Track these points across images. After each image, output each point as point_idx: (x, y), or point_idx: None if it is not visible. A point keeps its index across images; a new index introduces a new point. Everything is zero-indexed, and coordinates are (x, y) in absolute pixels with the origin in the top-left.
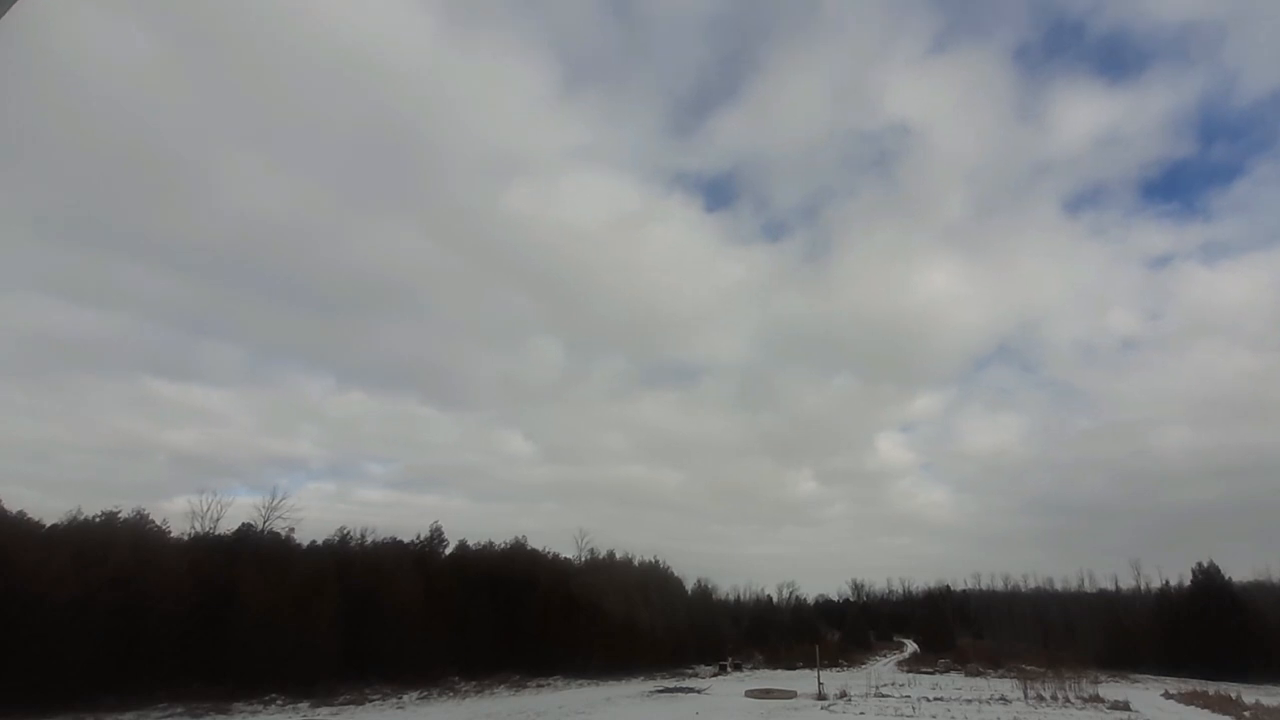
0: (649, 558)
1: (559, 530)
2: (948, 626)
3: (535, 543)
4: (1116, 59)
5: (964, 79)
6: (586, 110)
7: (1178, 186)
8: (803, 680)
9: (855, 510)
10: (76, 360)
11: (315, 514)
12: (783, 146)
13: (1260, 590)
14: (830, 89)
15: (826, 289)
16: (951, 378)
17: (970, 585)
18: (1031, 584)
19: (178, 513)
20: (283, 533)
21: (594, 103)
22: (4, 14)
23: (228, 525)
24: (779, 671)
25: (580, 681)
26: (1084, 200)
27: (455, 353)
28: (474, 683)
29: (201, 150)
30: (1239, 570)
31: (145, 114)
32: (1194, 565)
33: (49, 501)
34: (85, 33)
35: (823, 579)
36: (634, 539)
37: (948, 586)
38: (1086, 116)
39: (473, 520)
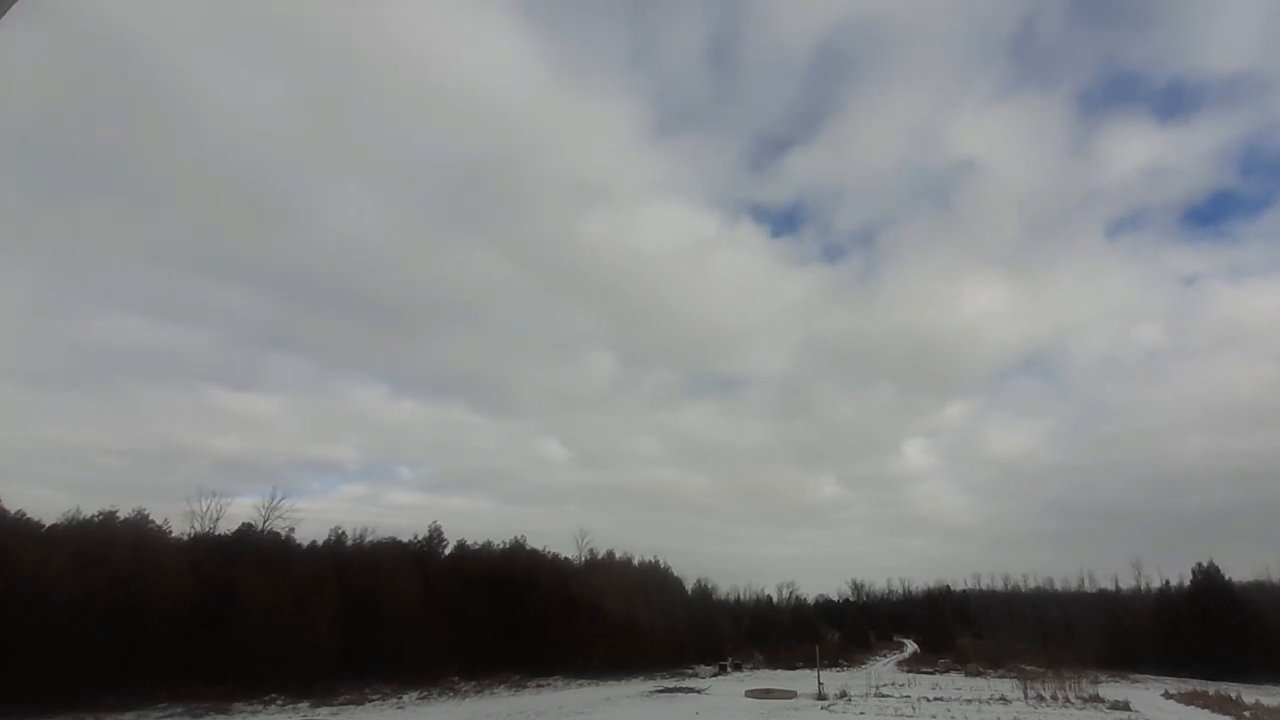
0: (649, 557)
1: (580, 531)
2: (948, 626)
3: (537, 543)
4: (1170, 102)
5: (1027, 121)
6: (673, 150)
7: (1211, 213)
8: (803, 680)
9: (872, 512)
10: (145, 371)
11: (342, 516)
12: (851, 180)
13: (1260, 590)
14: (904, 130)
15: (874, 307)
16: (980, 387)
17: (970, 585)
18: (1031, 584)
19: (178, 513)
20: (282, 533)
21: (681, 144)
22: (4, 14)
23: (228, 525)
24: (779, 671)
25: (580, 681)
26: (1124, 225)
27: (508, 364)
28: (474, 683)
29: (307, 183)
30: (1239, 570)
31: (260, 152)
32: (1194, 565)
33: (86, 503)
34: (207, 78)
35: (824, 579)
36: (653, 540)
37: (948, 586)
38: (1136, 151)
39: (497, 522)
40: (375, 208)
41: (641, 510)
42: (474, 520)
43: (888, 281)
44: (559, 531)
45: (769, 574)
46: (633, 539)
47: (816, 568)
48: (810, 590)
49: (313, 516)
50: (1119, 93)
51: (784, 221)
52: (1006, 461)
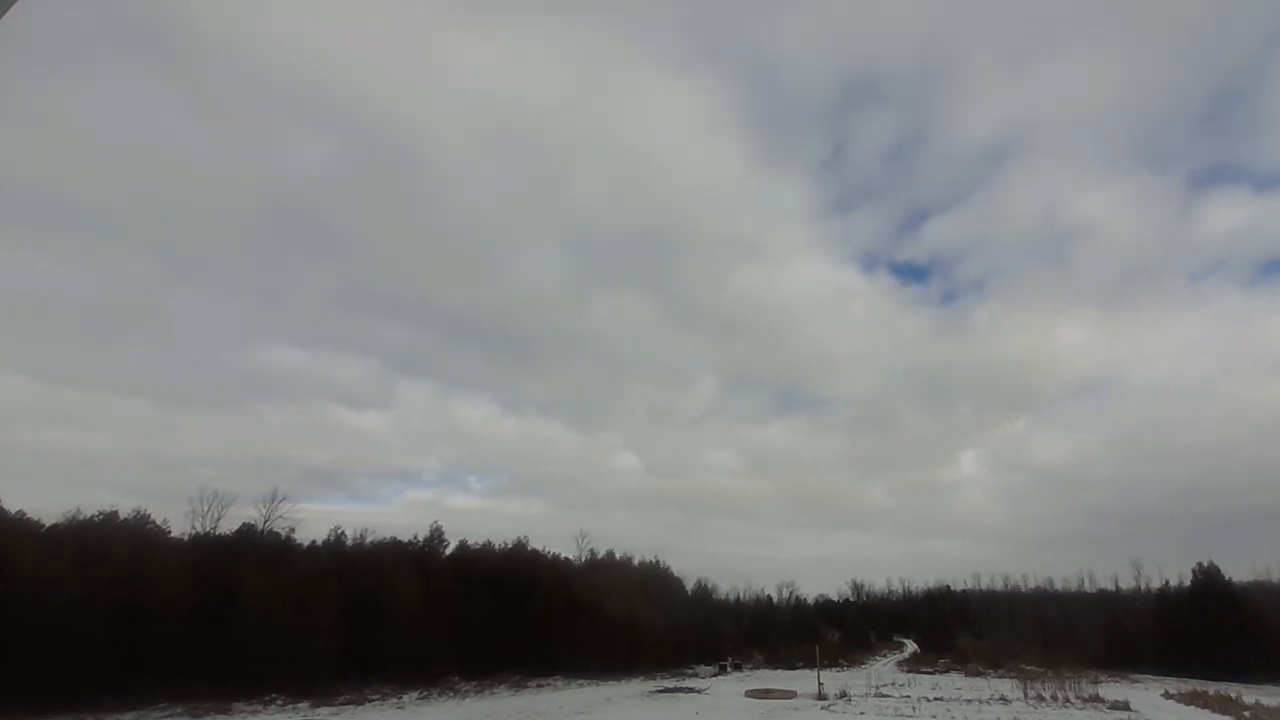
0: (649, 558)
1: (625, 534)
2: (948, 627)
3: (538, 543)
4: (1269, 174)
5: (1140, 194)
6: (835, 224)
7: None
8: (803, 680)
9: (911, 517)
10: (280, 394)
11: (399, 520)
12: (979, 241)
13: (1260, 590)
14: (1036, 204)
15: (968, 338)
16: (1044, 405)
17: (970, 585)
18: (1031, 584)
19: (179, 514)
20: (283, 533)
21: (844, 219)
22: (4, 14)
23: (228, 525)
24: (779, 671)
25: (580, 682)
26: (1205, 272)
27: (617, 388)
28: (474, 683)
29: (504, 242)
30: (1239, 570)
31: (470, 216)
32: (1194, 565)
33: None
34: (443, 158)
35: (824, 579)
36: (692, 542)
37: (948, 586)
38: (1231, 214)
39: (542, 524)
40: (555, 262)
41: (691, 514)
42: (518, 522)
43: (986, 318)
44: (615, 535)
45: (801, 575)
46: (676, 540)
47: (847, 569)
48: (810, 590)
49: (369, 521)
50: (1224, 174)
51: (912, 272)
52: (1053, 470)
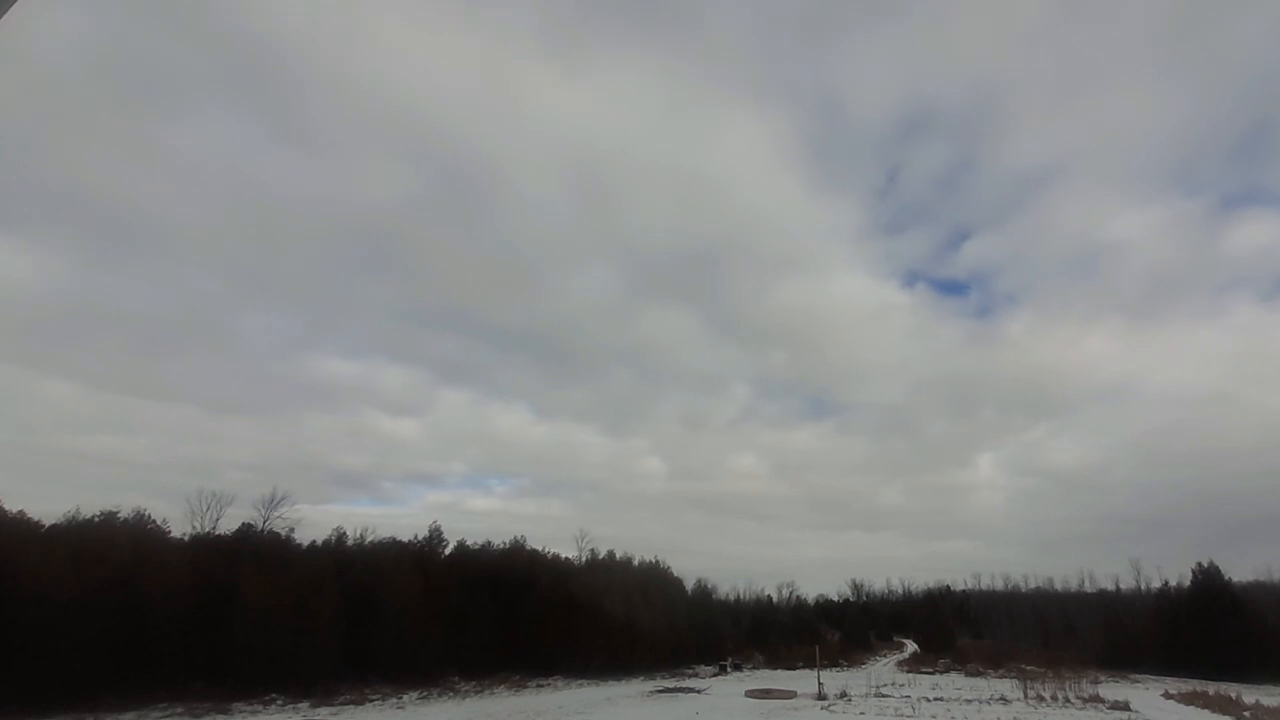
0: (649, 557)
1: (641, 537)
2: (948, 627)
3: (537, 543)
4: None
5: (1173, 216)
6: (883, 242)
7: None
8: (803, 680)
9: (924, 518)
10: (323, 401)
11: (424, 520)
12: (1015, 257)
13: (1260, 590)
14: (1073, 227)
15: (999, 349)
16: (1066, 410)
17: (970, 585)
18: (1031, 584)
19: (178, 514)
20: (282, 533)
21: (892, 238)
22: (4, 14)
23: (228, 525)
24: (779, 672)
25: (580, 682)
26: (1230, 286)
27: (653, 396)
28: (474, 683)
29: (565, 260)
30: (1239, 570)
31: (535, 236)
32: (1194, 565)
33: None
34: (515, 180)
35: (827, 579)
36: (707, 544)
37: (948, 586)
38: (1256, 234)
39: (562, 525)
40: (606, 279)
41: (711, 516)
42: (532, 523)
43: (1018, 330)
44: (636, 537)
45: (810, 575)
46: (690, 541)
47: (856, 569)
48: (810, 590)
49: (389, 522)
50: (1254, 198)
51: (950, 286)
52: (1068, 474)
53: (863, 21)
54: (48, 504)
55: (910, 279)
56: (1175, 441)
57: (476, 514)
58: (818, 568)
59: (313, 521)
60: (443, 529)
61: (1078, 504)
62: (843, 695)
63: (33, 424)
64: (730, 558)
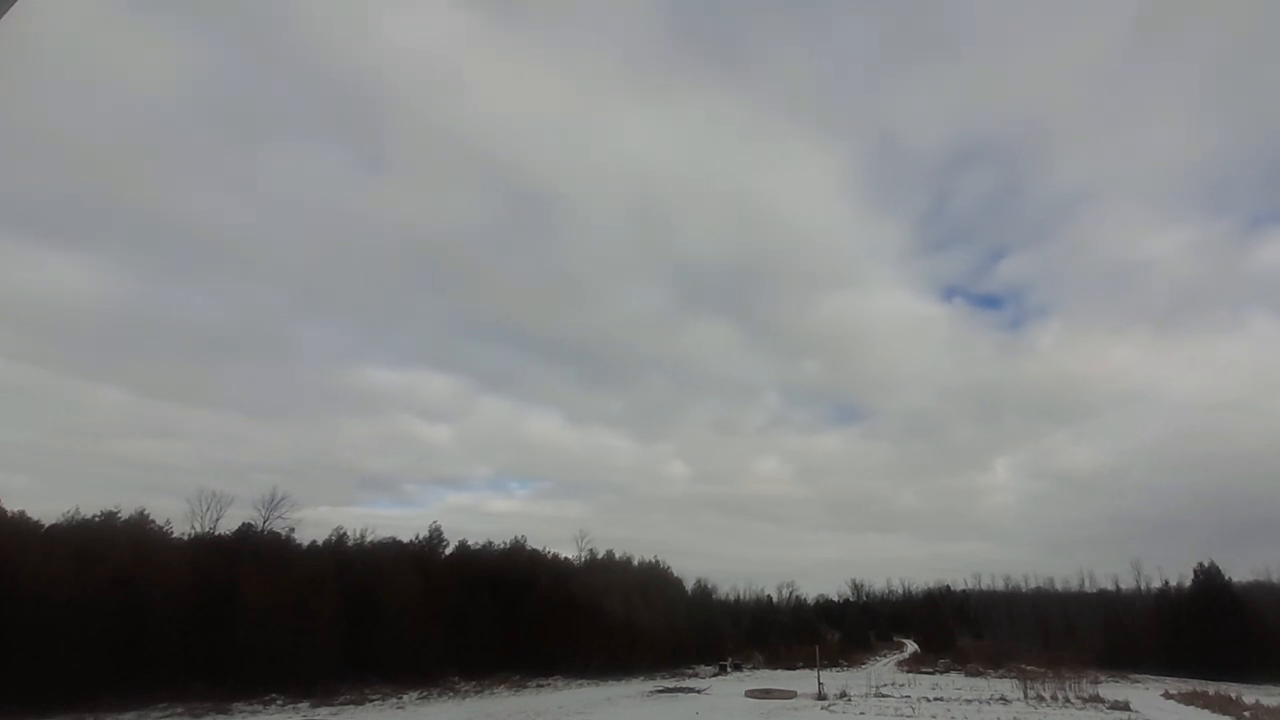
0: (649, 557)
1: (657, 539)
2: (948, 627)
3: (537, 543)
4: None
5: (1203, 235)
6: (925, 261)
7: None
8: (803, 680)
9: (935, 520)
10: (362, 408)
11: (443, 521)
12: (1051, 273)
13: (1260, 590)
14: (1107, 246)
15: (1028, 359)
16: (1087, 416)
17: (970, 585)
18: (1032, 584)
19: (179, 514)
20: (283, 533)
21: (934, 258)
22: (4, 14)
23: (228, 525)
24: (779, 672)
25: (580, 682)
26: (1251, 299)
27: (686, 402)
28: (474, 683)
29: (615, 277)
30: (1239, 570)
31: (590, 255)
32: (1195, 565)
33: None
34: (574, 211)
35: (823, 579)
36: (722, 545)
37: (948, 586)
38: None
39: (569, 524)
40: (653, 293)
41: (725, 517)
42: (549, 524)
43: (1048, 341)
44: (642, 539)
45: (820, 577)
46: (704, 543)
47: (864, 569)
48: (810, 590)
49: (406, 524)
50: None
51: (985, 300)
52: (1083, 477)
53: (923, 60)
54: (85, 506)
55: (948, 294)
56: (1187, 446)
57: (495, 516)
58: (831, 568)
59: (329, 523)
60: (443, 529)
61: (1087, 506)
62: (843, 695)
63: (75, 428)
64: (741, 559)
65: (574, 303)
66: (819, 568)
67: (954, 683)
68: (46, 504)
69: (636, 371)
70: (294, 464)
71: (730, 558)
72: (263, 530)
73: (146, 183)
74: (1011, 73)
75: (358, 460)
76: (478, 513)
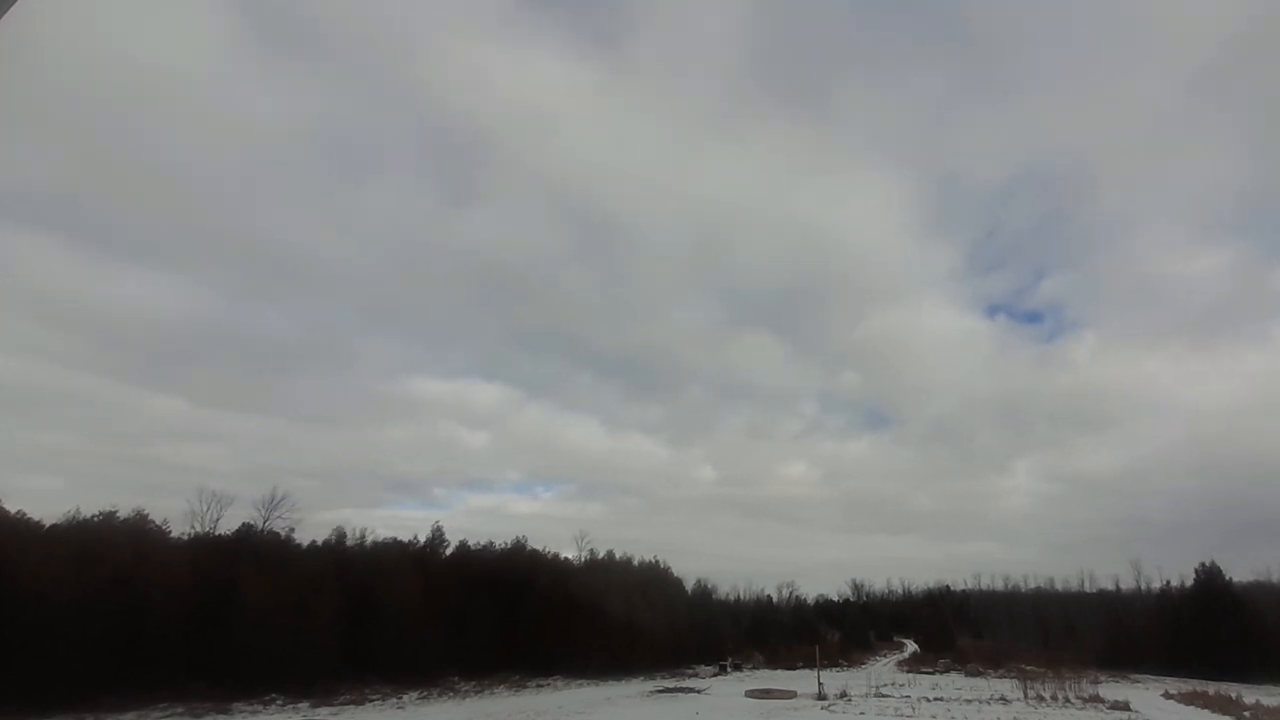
0: (649, 557)
1: (580, 532)
2: (948, 627)
3: (536, 543)
4: None
5: (1236, 254)
6: (972, 282)
7: None
8: (803, 680)
9: (946, 520)
10: (406, 415)
11: (463, 523)
12: (1089, 290)
13: (1260, 590)
14: (1147, 261)
15: (1060, 369)
16: (1111, 423)
17: (970, 585)
18: (1032, 584)
19: (179, 514)
20: (282, 533)
21: (981, 279)
22: (4, 14)
23: (228, 525)
24: (779, 672)
25: (580, 682)
26: (1275, 314)
27: (720, 409)
28: (474, 683)
29: (673, 293)
30: (1239, 570)
31: (649, 272)
32: (1196, 565)
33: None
34: (639, 239)
35: (823, 579)
36: (737, 546)
37: (948, 586)
38: None
39: (599, 527)
40: (704, 310)
41: (744, 519)
42: (562, 525)
43: (1080, 352)
44: (657, 540)
45: (827, 576)
46: (719, 543)
47: (874, 571)
48: (811, 590)
49: (428, 526)
50: None
51: (1026, 315)
52: (1100, 480)
53: (987, 102)
54: (126, 506)
55: (992, 310)
56: (1201, 450)
57: (516, 518)
58: (834, 569)
59: (353, 525)
60: (445, 530)
61: (1095, 507)
62: (843, 695)
63: (128, 434)
64: (749, 559)
65: (628, 318)
66: (821, 568)
67: (954, 683)
68: (80, 507)
69: (679, 382)
70: (327, 468)
71: (739, 558)
72: (262, 530)
73: (258, 213)
74: (1066, 113)
75: (392, 464)
76: (499, 514)
